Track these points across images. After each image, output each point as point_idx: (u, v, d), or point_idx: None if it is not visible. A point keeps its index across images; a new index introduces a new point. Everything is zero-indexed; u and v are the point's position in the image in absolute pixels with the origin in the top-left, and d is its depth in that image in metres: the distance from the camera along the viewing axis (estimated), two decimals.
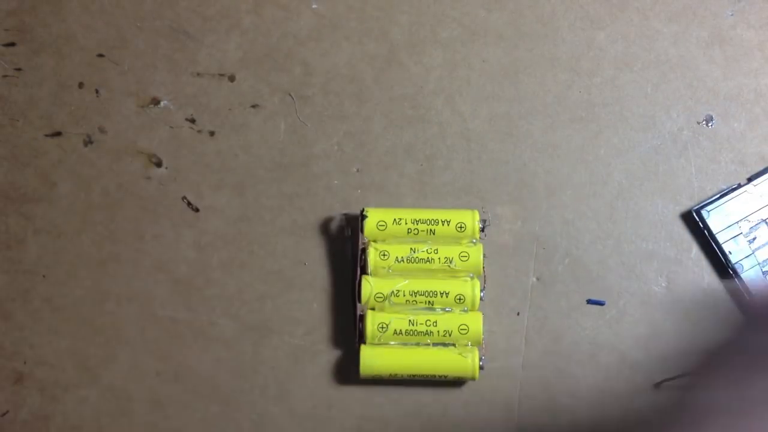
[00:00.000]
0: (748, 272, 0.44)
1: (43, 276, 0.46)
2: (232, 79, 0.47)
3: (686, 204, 0.46)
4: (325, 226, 0.46)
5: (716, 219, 0.45)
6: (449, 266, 0.44)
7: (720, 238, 0.45)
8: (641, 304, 0.45)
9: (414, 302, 0.44)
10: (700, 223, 0.45)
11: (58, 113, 0.47)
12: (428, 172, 0.46)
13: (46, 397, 0.45)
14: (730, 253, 0.44)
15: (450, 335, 0.44)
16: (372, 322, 0.44)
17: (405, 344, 0.44)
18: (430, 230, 0.44)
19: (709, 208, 0.45)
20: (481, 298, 0.44)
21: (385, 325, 0.44)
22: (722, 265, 0.45)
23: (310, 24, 0.47)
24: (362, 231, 0.44)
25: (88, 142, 0.47)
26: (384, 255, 0.44)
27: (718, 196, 0.45)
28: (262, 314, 0.46)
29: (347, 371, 0.45)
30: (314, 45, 0.47)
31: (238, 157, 0.47)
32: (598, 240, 0.46)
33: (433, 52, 0.47)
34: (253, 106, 0.47)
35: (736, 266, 0.44)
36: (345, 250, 0.46)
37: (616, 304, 0.45)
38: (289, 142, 0.47)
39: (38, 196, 0.47)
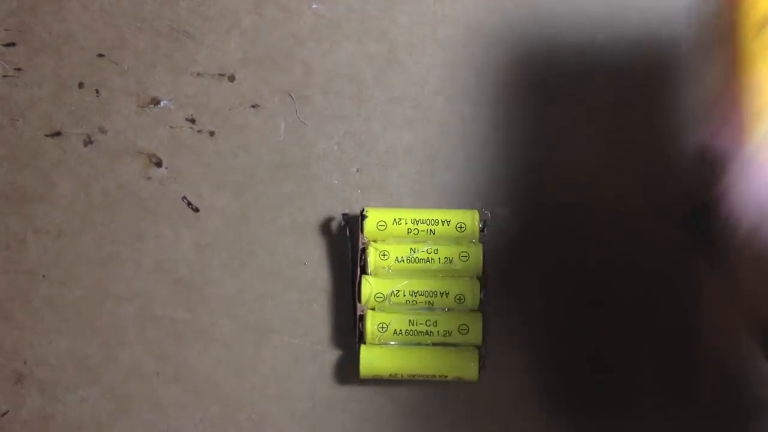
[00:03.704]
0: None
1: (43, 276, 0.46)
2: (232, 79, 0.47)
3: (686, 204, 0.46)
4: (325, 226, 0.46)
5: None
6: (449, 266, 0.44)
7: None
8: (641, 304, 0.45)
9: (414, 302, 0.44)
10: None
11: (58, 113, 0.47)
12: (428, 172, 0.46)
13: (46, 397, 0.45)
14: None
15: (450, 335, 0.44)
16: (372, 322, 0.44)
17: (405, 344, 0.44)
18: (430, 230, 0.44)
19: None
20: (481, 298, 0.44)
21: (385, 325, 0.44)
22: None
23: (310, 24, 0.47)
24: (362, 231, 0.44)
25: (88, 142, 0.47)
26: (384, 255, 0.44)
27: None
28: (262, 314, 0.46)
29: (347, 371, 0.45)
30: (314, 45, 0.47)
31: (238, 157, 0.47)
32: (598, 240, 0.46)
33: (433, 52, 0.47)
34: (253, 106, 0.47)
35: None
36: (345, 250, 0.46)
37: (616, 304, 0.45)
38: (289, 142, 0.47)
39: (38, 196, 0.47)
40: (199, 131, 0.47)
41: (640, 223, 0.46)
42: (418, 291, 0.44)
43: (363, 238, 0.44)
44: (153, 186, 0.47)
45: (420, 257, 0.44)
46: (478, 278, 0.44)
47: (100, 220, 0.46)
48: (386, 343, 0.44)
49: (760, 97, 0.30)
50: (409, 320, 0.44)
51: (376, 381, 0.45)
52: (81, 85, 0.47)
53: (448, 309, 0.44)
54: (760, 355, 0.35)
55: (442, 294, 0.44)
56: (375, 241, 0.45)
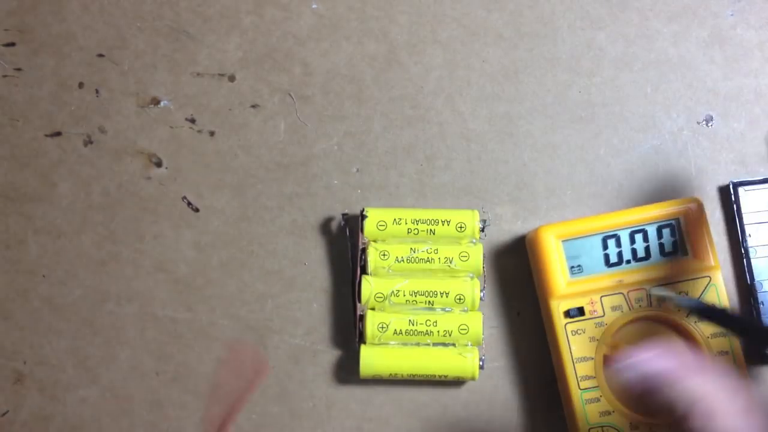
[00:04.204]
0: (758, 260, 0.44)
1: (43, 276, 0.46)
2: (232, 79, 0.47)
3: None
4: (325, 226, 0.46)
5: (749, 200, 0.45)
6: (449, 266, 0.44)
7: (745, 219, 0.45)
8: None
9: (414, 302, 0.44)
10: (732, 196, 0.45)
11: (58, 113, 0.47)
12: (428, 172, 0.46)
13: (46, 397, 0.45)
14: (749, 235, 0.45)
15: (450, 335, 0.44)
16: (372, 322, 0.44)
17: (405, 344, 0.44)
18: (430, 230, 0.44)
19: (747, 187, 0.45)
20: (481, 298, 0.44)
21: (385, 325, 0.44)
22: (737, 246, 0.45)
23: (310, 24, 0.47)
24: (362, 231, 0.44)
25: (88, 142, 0.47)
26: (384, 255, 0.44)
27: (762, 180, 0.45)
28: (262, 314, 0.46)
29: (347, 371, 0.45)
30: (314, 45, 0.47)
31: (238, 157, 0.47)
32: None
33: (433, 52, 0.47)
34: (253, 106, 0.47)
35: (750, 249, 0.45)
36: (345, 250, 0.46)
37: None
38: (289, 142, 0.47)
39: (38, 196, 0.47)
40: (199, 131, 0.47)
41: None
42: (418, 291, 0.44)
43: (363, 238, 0.44)
44: (153, 186, 0.47)
45: (420, 257, 0.44)
46: (478, 278, 0.44)
47: (100, 220, 0.46)
48: (386, 343, 0.44)
49: None
50: (409, 320, 0.44)
51: (376, 381, 0.45)
52: (81, 85, 0.47)
53: (448, 309, 0.44)
54: None
55: (442, 294, 0.44)
56: (375, 241, 0.45)
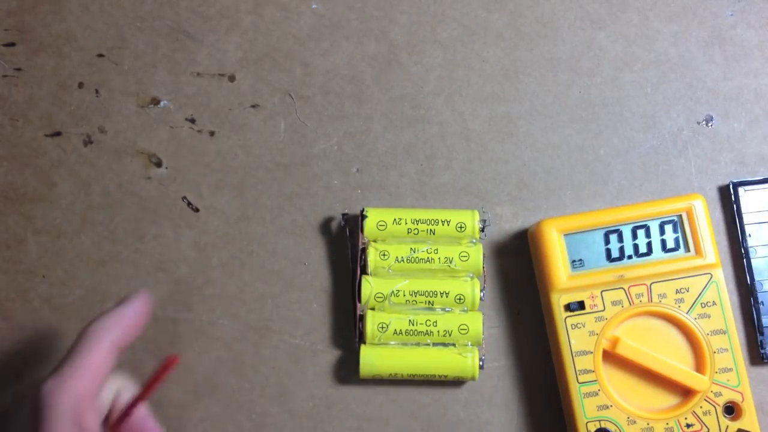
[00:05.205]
0: (758, 260, 0.44)
1: (43, 276, 0.46)
2: (232, 79, 0.47)
3: None
4: (325, 226, 0.46)
5: (749, 200, 0.45)
6: (449, 266, 0.44)
7: (745, 219, 0.45)
8: None
9: (414, 302, 0.44)
10: (732, 197, 0.45)
11: (58, 113, 0.47)
12: (428, 172, 0.46)
13: None
14: (750, 235, 0.45)
15: (450, 335, 0.44)
16: (372, 322, 0.44)
17: (405, 344, 0.44)
18: (430, 230, 0.44)
19: (747, 187, 0.45)
20: (481, 298, 0.44)
21: (385, 325, 0.44)
22: (737, 245, 0.45)
23: (310, 24, 0.47)
24: (362, 231, 0.44)
25: (88, 142, 0.47)
26: (384, 255, 0.44)
27: (762, 180, 0.45)
28: (262, 314, 0.46)
29: (347, 371, 0.45)
30: (314, 45, 0.47)
31: (238, 157, 0.47)
32: None
33: (433, 52, 0.47)
34: (253, 106, 0.47)
35: (750, 249, 0.45)
36: (345, 250, 0.46)
37: None
38: (289, 142, 0.47)
39: (38, 196, 0.47)
40: (199, 131, 0.47)
41: None
42: (418, 291, 0.44)
43: (363, 238, 0.44)
44: (153, 186, 0.47)
45: (420, 257, 0.44)
46: (478, 278, 0.44)
47: (100, 220, 0.46)
48: (386, 343, 0.44)
49: None
50: (409, 320, 0.44)
51: (376, 381, 0.45)
52: (81, 85, 0.47)
53: (448, 309, 0.44)
54: None
55: (442, 294, 0.44)
56: (375, 241, 0.45)
